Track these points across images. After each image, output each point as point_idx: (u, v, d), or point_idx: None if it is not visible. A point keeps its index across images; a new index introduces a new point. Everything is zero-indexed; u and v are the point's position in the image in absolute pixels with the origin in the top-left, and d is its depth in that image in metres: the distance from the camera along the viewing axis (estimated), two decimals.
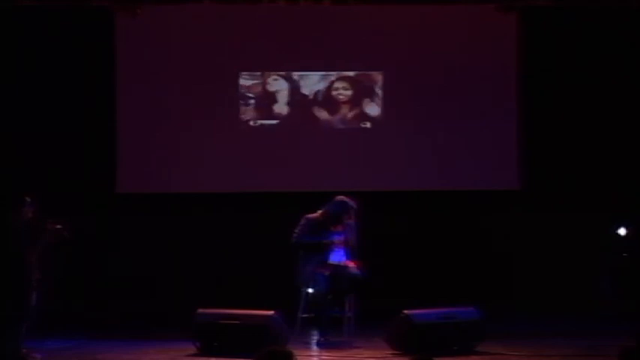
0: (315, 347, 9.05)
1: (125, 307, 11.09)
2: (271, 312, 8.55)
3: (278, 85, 11.89)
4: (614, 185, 11.71)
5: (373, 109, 11.93)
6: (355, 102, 11.92)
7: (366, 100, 11.94)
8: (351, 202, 9.29)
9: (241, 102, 11.86)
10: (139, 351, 9.08)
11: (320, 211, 9.35)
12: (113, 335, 10.04)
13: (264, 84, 11.88)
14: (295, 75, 11.89)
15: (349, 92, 11.93)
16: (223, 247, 11.51)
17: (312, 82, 11.89)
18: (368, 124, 11.94)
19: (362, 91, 11.94)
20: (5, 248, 8.25)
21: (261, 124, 11.88)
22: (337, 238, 9.27)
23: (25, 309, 8.23)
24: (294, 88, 11.89)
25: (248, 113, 11.87)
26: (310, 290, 9.18)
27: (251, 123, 11.88)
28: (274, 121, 11.89)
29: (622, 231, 11.54)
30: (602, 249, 11.52)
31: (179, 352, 8.85)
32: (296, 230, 9.27)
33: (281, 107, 11.89)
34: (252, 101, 11.88)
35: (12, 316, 8.19)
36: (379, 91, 11.93)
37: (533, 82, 11.89)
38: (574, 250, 11.58)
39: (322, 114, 11.91)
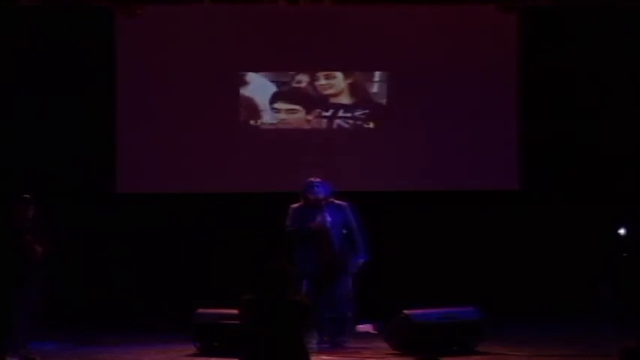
0: (314, 347, 9.03)
1: (125, 307, 11.09)
2: None
3: (278, 85, 11.89)
4: (615, 185, 11.71)
5: (373, 109, 11.92)
6: (356, 102, 11.92)
7: (367, 100, 11.94)
8: (316, 180, 9.21)
9: (241, 101, 11.86)
10: (139, 351, 9.10)
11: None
12: (113, 335, 10.05)
13: (264, 83, 11.88)
14: (295, 75, 11.89)
15: (350, 92, 11.93)
16: (223, 247, 11.51)
17: (312, 82, 11.89)
18: (368, 124, 11.94)
19: (362, 91, 11.94)
20: (7, 246, 8.27)
21: (262, 124, 11.89)
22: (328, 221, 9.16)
23: (28, 306, 8.25)
24: (295, 88, 11.89)
25: (248, 113, 11.87)
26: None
27: (251, 122, 11.88)
28: (275, 121, 11.90)
29: (622, 231, 11.54)
30: (602, 249, 11.52)
31: (179, 352, 8.87)
32: (287, 222, 9.26)
33: (281, 107, 11.89)
34: (252, 101, 11.88)
35: (13, 314, 8.21)
36: (380, 91, 11.93)
37: (533, 82, 11.90)
38: (574, 251, 11.58)
39: (323, 114, 11.91)
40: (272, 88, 11.89)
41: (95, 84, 11.59)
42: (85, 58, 11.54)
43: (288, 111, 11.89)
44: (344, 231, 9.19)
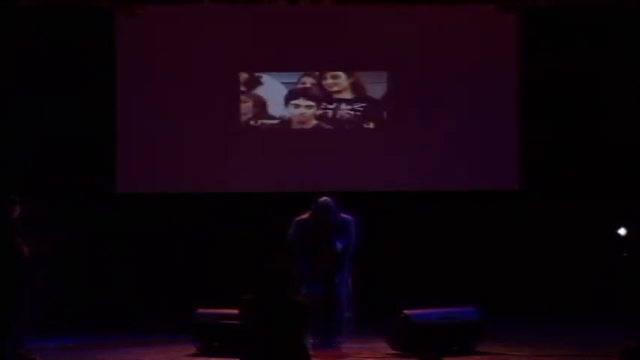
0: (314, 348, 9.03)
1: (125, 307, 11.09)
2: None
3: (279, 85, 11.89)
4: (615, 185, 11.70)
5: (373, 109, 11.92)
6: (356, 102, 11.92)
7: (367, 101, 11.93)
8: (328, 203, 8.91)
9: (241, 102, 11.86)
10: (139, 351, 9.09)
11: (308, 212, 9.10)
12: (113, 335, 10.05)
13: (265, 83, 11.88)
14: (296, 75, 11.89)
15: (350, 92, 11.93)
16: (223, 247, 11.50)
17: (312, 82, 11.88)
18: (368, 125, 11.94)
19: (363, 91, 11.94)
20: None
21: (262, 124, 11.89)
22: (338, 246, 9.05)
23: (24, 307, 8.24)
24: (295, 88, 11.89)
25: (248, 113, 11.87)
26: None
27: (251, 122, 11.88)
28: (275, 121, 11.89)
29: (622, 231, 11.53)
30: (602, 249, 11.51)
31: (179, 352, 8.87)
32: (290, 232, 9.12)
33: (282, 107, 11.88)
34: (253, 101, 11.88)
35: (10, 314, 8.21)
36: (380, 92, 11.93)
37: (533, 82, 11.89)
38: (574, 251, 11.58)
39: (323, 114, 11.91)
40: (273, 88, 11.89)
41: (95, 84, 11.59)
42: (85, 58, 11.54)
43: (289, 111, 11.89)
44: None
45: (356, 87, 11.94)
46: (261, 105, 11.88)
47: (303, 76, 11.89)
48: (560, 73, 11.81)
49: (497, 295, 11.04)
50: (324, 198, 8.99)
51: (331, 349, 8.83)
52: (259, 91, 11.88)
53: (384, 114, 11.91)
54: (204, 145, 11.72)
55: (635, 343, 5.30)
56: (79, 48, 11.54)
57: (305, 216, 9.07)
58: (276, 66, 11.85)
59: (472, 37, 11.85)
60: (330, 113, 11.91)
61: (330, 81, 11.93)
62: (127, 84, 11.68)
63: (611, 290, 11.18)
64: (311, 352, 6.15)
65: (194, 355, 8.75)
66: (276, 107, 11.88)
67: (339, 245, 8.92)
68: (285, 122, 11.89)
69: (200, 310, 8.83)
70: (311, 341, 9.01)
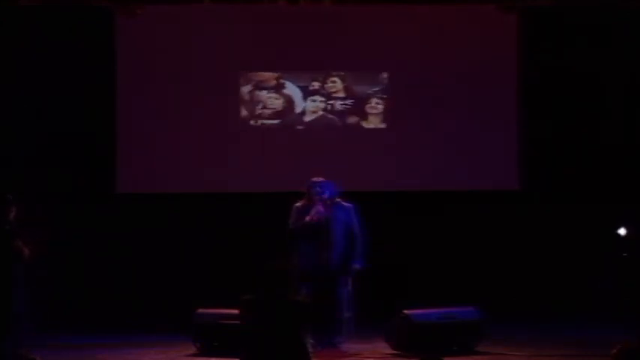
0: (314, 348, 9.03)
1: (125, 307, 11.09)
2: None
3: (278, 85, 11.89)
4: (615, 185, 11.71)
5: (373, 109, 11.92)
6: (356, 102, 11.92)
7: (366, 101, 11.94)
8: (319, 180, 9.13)
9: (242, 102, 11.87)
10: (139, 351, 9.10)
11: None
12: (113, 335, 10.05)
13: (264, 83, 11.88)
14: (295, 75, 11.89)
15: (349, 93, 11.93)
16: (223, 247, 11.51)
17: (312, 82, 11.88)
18: (369, 125, 11.95)
19: (362, 91, 11.94)
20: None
21: (262, 124, 11.89)
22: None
23: (24, 307, 8.23)
24: (295, 88, 11.88)
25: (248, 113, 11.87)
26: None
27: (251, 122, 11.88)
28: (275, 121, 11.89)
29: (622, 231, 11.53)
30: (602, 249, 11.51)
31: (179, 352, 8.87)
32: (290, 221, 9.21)
33: (282, 107, 11.88)
34: (253, 101, 11.88)
35: (10, 314, 8.20)
36: (379, 92, 11.93)
37: (533, 82, 11.90)
38: (574, 251, 11.58)
39: (323, 114, 11.91)
40: (273, 88, 11.89)
41: (95, 84, 11.59)
42: (85, 58, 11.55)
43: (289, 111, 11.89)
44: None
45: (355, 87, 11.93)
46: (260, 104, 11.85)
47: (302, 75, 11.88)
48: (560, 73, 11.82)
49: (497, 295, 11.04)
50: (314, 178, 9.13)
51: (331, 349, 8.83)
52: (259, 90, 11.86)
53: (384, 114, 11.91)
54: (204, 145, 11.72)
55: (635, 343, 5.29)
56: (79, 48, 11.55)
57: (301, 202, 9.16)
58: (275, 66, 11.84)
59: (472, 37, 11.86)
60: (329, 113, 11.91)
61: (328, 81, 11.92)
62: (127, 84, 11.68)
63: (611, 290, 11.18)
64: (311, 352, 6.15)
65: (194, 355, 8.75)
66: (276, 107, 11.85)
67: (321, 209, 8.96)
68: (285, 122, 11.87)
69: (200, 310, 8.83)
70: (311, 341, 9.02)
